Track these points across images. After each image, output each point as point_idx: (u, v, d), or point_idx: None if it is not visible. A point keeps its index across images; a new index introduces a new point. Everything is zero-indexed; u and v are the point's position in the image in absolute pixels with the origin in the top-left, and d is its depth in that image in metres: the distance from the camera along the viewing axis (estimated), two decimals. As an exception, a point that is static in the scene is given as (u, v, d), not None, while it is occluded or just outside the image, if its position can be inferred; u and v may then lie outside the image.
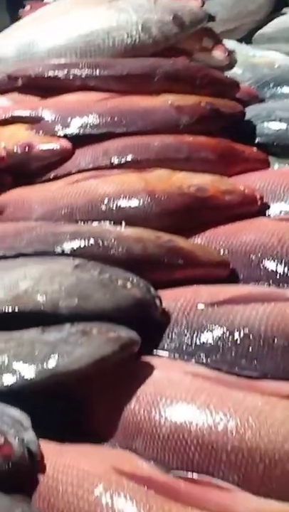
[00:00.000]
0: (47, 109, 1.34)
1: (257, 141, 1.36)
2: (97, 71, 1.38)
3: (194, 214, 1.13)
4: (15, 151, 1.28)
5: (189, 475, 0.77)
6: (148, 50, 1.49)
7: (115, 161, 1.23)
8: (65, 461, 0.78)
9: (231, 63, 1.60)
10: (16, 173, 1.29)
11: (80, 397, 0.88)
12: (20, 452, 0.76)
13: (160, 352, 0.93)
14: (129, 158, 1.23)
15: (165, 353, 0.93)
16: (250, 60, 1.64)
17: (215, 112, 1.32)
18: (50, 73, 1.41)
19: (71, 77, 1.39)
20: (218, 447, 0.77)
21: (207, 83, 1.39)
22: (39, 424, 0.81)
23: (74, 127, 1.30)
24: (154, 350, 0.93)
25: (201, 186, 1.14)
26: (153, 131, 1.28)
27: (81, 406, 0.87)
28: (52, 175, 1.27)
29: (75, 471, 0.76)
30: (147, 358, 0.91)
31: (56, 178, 1.26)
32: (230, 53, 1.61)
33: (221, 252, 1.08)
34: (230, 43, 1.67)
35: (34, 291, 0.93)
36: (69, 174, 1.25)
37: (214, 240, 1.10)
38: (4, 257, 1.05)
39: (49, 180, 1.26)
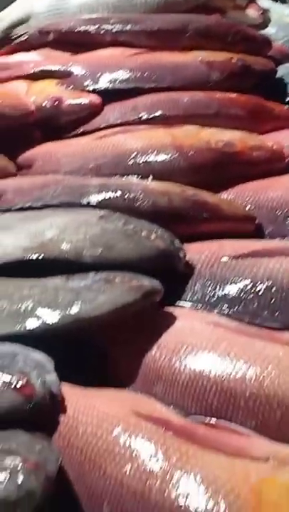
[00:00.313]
0: (77, 64, 1.34)
1: (288, 99, 1.34)
2: (128, 26, 1.38)
3: (221, 169, 1.13)
4: (44, 105, 1.28)
5: (207, 420, 0.78)
6: (180, 6, 1.48)
7: (144, 116, 1.23)
8: (85, 403, 0.79)
9: (265, 22, 1.57)
10: (45, 127, 1.29)
11: (102, 343, 0.89)
12: (41, 393, 0.77)
13: (183, 303, 0.94)
14: (157, 113, 1.23)
15: (188, 304, 0.93)
16: (284, 19, 1.61)
17: (246, 69, 1.31)
18: (82, 28, 1.41)
19: (102, 32, 1.39)
20: (236, 394, 0.78)
21: (239, 40, 1.38)
22: (61, 368, 0.82)
23: (104, 82, 1.30)
24: (177, 301, 0.94)
25: (229, 142, 1.14)
26: (183, 87, 1.27)
27: (103, 352, 0.88)
28: (80, 130, 1.27)
29: (95, 412, 0.77)
30: (170, 309, 0.92)
31: (85, 133, 1.26)
32: (264, 12, 1.59)
33: (248, 208, 1.07)
34: (264, 2, 1.64)
35: (59, 239, 0.94)
36: (97, 129, 1.25)
37: (241, 196, 1.10)
38: (31, 208, 1.06)
39: (77, 135, 1.27)
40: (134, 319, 0.87)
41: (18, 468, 0.67)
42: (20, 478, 0.66)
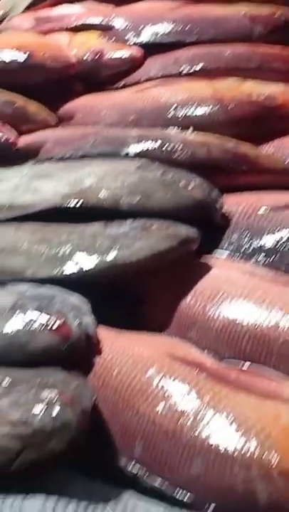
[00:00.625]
0: (119, 17, 1.34)
1: None
2: (170, -21, 1.36)
3: (262, 123, 1.12)
4: (86, 58, 1.29)
5: (240, 364, 0.79)
6: None
7: (185, 69, 1.22)
8: (120, 345, 0.80)
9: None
10: (86, 80, 1.30)
11: (139, 289, 0.90)
12: (77, 334, 0.79)
13: (219, 253, 0.94)
14: (199, 66, 1.22)
15: (224, 254, 0.94)
16: None
17: (289, 23, 1.29)
18: (124, -20, 1.40)
19: (145, -15, 1.38)
20: (269, 340, 0.79)
21: (282, -7, 1.36)
22: (97, 312, 0.83)
23: (145, 35, 1.30)
24: (213, 251, 0.94)
25: (271, 95, 1.13)
26: (225, 40, 1.26)
27: (139, 298, 0.89)
28: (121, 83, 1.27)
29: (129, 353, 0.79)
30: (206, 258, 0.92)
31: (125, 86, 1.27)
32: None
33: (287, 161, 1.07)
34: None
35: (98, 187, 0.95)
36: (138, 82, 1.25)
37: (280, 149, 1.09)
38: (71, 158, 1.07)
39: (118, 88, 1.27)
40: (170, 266, 0.88)
41: (54, 401, 0.68)
42: (56, 410, 0.68)
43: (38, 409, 0.68)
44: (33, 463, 0.66)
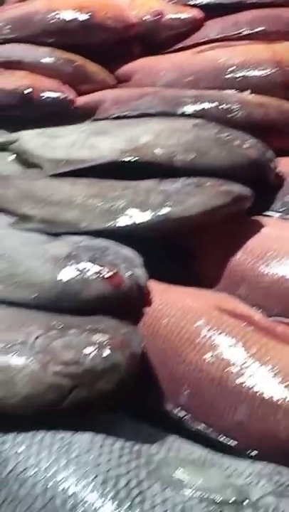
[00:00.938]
0: (180, -21, 1.34)
1: None
2: None
3: None
4: (146, 19, 1.29)
5: (288, 320, 0.80)
6: None
7: (245, 31, 1.22)
8: (170, 297, 0.82)
9: None
10: (145, 42, 1.30)
11: (190, 245, 0.91)
12: (129, 284, 0.81)
13: (271, 213, 0.95)
14: (259, 29, 1.22)
15: (276, 215, 0.94)
16: None
17: None
18: None
19: None
20: None
21: None
22: (149, 266, 0.85)
23: (206, -3, 1.30)
24: (265, 211, 0.95)
25: None
26: (285, 4, 1.25)
27: (190, 253, 0.91)
28: (180, 45, 1.28)
29: (179, 305, 0.81)
30: (258, 217, 0.93)
31: (184, 48, 1.27)
32: None
33: None
34: None
35: (153, 144, 0.96)
36: (197, 44, 1.26)
37: None
38: (127, 117, 1.09)
39: (177, 50, 1.28)
40: (222, 223, 0.89)
41: (105, 344, 0.71)
42: (106, 352, 0.70)
43: (90, 350, 0.70)
44: (83, 401, 0.69)
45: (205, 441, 0.71)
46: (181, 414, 0.73)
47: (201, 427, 0.72)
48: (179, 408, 0.74)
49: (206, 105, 1.04)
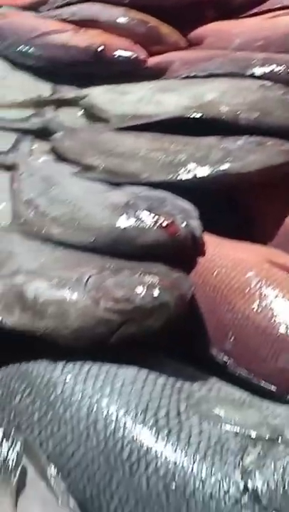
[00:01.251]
0: None
1: None
2: None
3: None
4: (220, -17, 1.30)
5: None
6: None
7: None
8: (223, 249, 0.84)
9: None
10: (219, 6, 1.31)
11: (248, 201, 0.93)
12: (184, 234, 0.83)
13: None
14: None
15: None
16: None
17: None
18: None
19: None
20: None
21: None
22: (206, 219, 0.87)
23: None
24: None
25: None
26: None
27: (248, 210, 0.92)
28: (253, 10, 1.28)
29: (231, 257, 0.82)
30: None
31: (257, 13, 1.27)
32: None
33: None
34: None
35: (218, 101, 0.98)
36: (270, 10, 1.25)
37: None
38: (196, 77, 1.10)
39: (250, 15, 1.28)
40: (282, 182, 0.90)
41: (156, 284, 0.73)
42: (156, 292, 0.73)
43: (140, 289, 0.73)
44: (131, 337, 0.72)
45: (246, 385, 0.73)
46: (225, 359, 0.75)
47: (244, 372, 0.74)
48: (223, 353, 0.76)
49: (274, 68, 1.05)
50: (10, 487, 0.53)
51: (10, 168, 1.05)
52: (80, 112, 1.16)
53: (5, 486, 0.53)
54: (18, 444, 0.56)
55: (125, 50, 1.23)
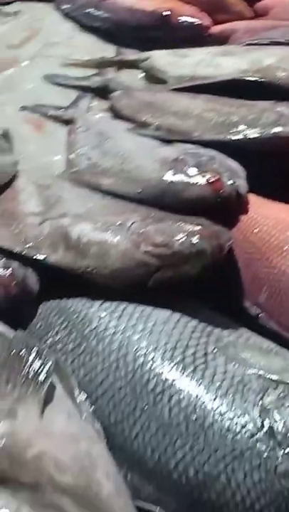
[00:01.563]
0: None
1: None
2: None
3: None
4: None
5: None
6: None
7: None
8: (266, 209, 0.85)
9: None
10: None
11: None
12: (229, 190, 0.84)
13: None
14: None
15: None
16: None
17: None
18: None
19: None
20: None
21: None
22: (252, 180, 0.88)
23: None
24: None
25: None
26: None
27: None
28: None
29: (273, 216, 0.84)
30: None
31: None
32: None
33: None
34: None
35: (276, 66, 0.99)
36: None
37: None
38: (258, 45, 1.11)
39: None
40: None
41: (195, 233, 0.76)
42: (195, 239, 0.75)
43: (180, 236, 0.75)
44: (167, 281, 0.74)
45: (276, 339, 0.74)
46: (258, 311, 0.77)
47: (274, 325, 0.75)
48: (256, 306, 0.78)
49: None
50: (38, 397, 0.56)
51: (68, 122, 1.09)
52: (141, 74, 1.18)
53: (33, 396, 0.56)
54: (50, 362, 0.59)
55: (191, 16, 1.24)
